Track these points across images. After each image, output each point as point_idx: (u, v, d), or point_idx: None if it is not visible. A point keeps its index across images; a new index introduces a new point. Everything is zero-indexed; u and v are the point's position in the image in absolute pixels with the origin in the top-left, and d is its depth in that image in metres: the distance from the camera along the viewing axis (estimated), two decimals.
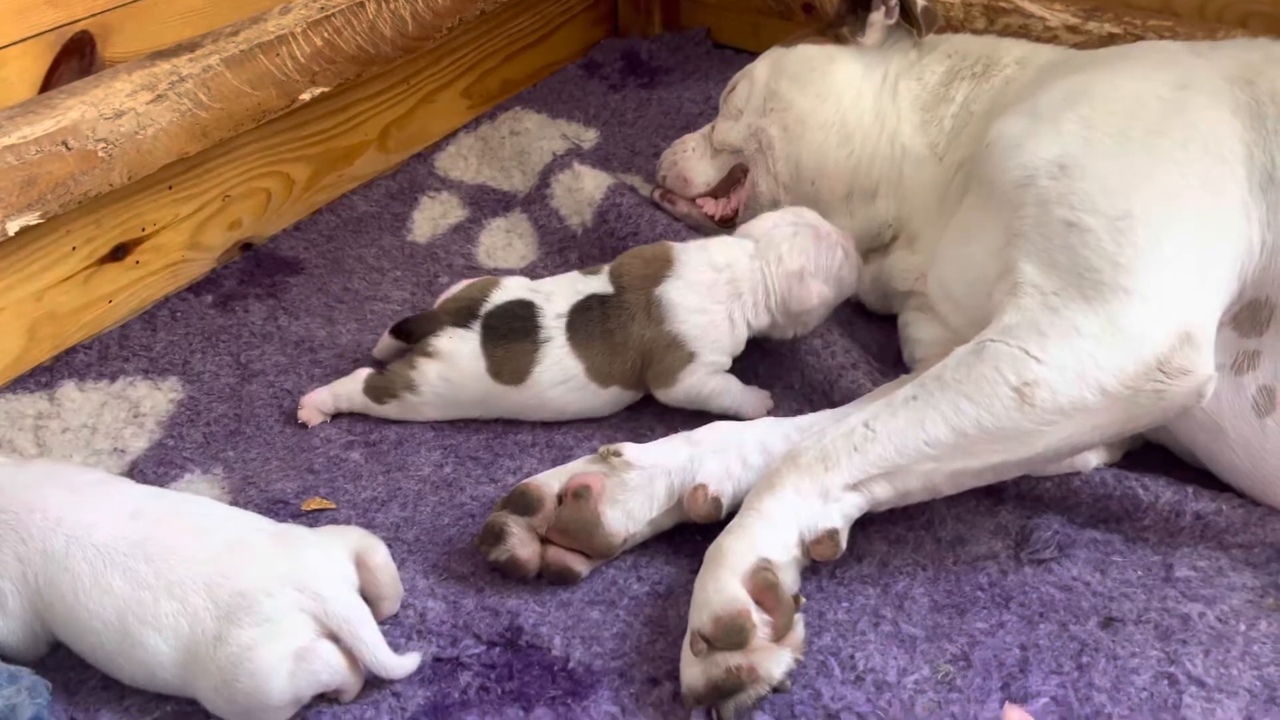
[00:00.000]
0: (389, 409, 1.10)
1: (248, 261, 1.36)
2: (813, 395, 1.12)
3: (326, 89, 1.22)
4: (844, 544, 0.88)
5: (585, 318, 1.08)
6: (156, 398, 1.15)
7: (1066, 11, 1.39)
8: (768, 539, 0.85)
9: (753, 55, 1.77)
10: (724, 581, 0.82)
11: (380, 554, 0.87)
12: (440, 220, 1.45)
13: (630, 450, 0.95)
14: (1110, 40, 1.35)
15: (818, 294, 1.08)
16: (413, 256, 1.38)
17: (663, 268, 1.10)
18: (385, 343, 1.15)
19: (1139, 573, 0.93)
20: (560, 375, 1.07)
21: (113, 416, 1.13)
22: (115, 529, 0.84)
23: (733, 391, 1.09)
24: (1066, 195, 0.92)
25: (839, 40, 1.25)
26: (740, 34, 1.83)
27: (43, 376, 1.17)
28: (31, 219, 0.98)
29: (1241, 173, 0.92)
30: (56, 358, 1.19)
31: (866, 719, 0.81)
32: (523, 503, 0.92)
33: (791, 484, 0.88)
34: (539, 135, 1.56)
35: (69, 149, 0.99)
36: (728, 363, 1.09)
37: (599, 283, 1.11)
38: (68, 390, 1.15)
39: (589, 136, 1.60)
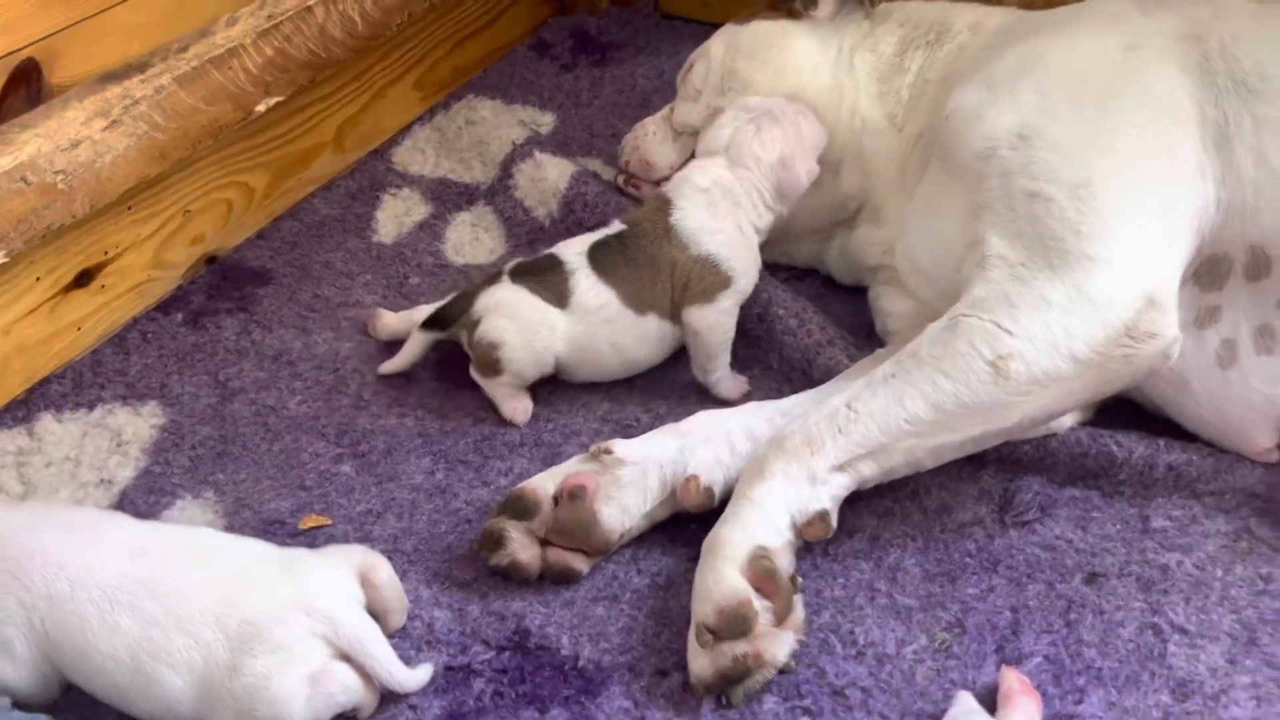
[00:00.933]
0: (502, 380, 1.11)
1: (214, 275, 1.35)
2: (792, 374, 1.14)
3: (281, 98, 1.20)
4: (834, 523, 0.91)
5: (605, 252, 1.12)
6: (138, 424, 1.15)
7: None
8: (761, 526, 0.87)
9: (702, 25, 1.79)
10: (723, 573, 0.84)
11: (384, 570, 0.89)
12: (404, 218, 1.44)
13: (621, 446, 0.97)
14: None
15: (806, 172, 1.13)
16: (380, 258, 1.37)
17: (664, 204, 1.13)
18: (416, 343, 1.15)
19: (1118, 526, 0.96)
20: (596, 299, 1.09)
21: (95, 447, 1.12)
22: (118, 568, 0.84)
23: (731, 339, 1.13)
24: (1028, 165, 0.94)
25: (792, 15, 1.25)
26: (689, 5, 1.82)
27: (18, 411, 1.16)
28: None
29: (1195, 132, 0.95)
30: (30, 390, 1.18)
31: (870, 692, 0.84)
32: (520, 507, 0.94)
33: (780, 469, 0.90)
34: (496, 123, 1.55)
35: (28, 184, 0.98)
36: (750, 289, 1.13)
37: (612, 229, 1.14)
38: (46, 423, 1.14)
39: (546, 120, 1.60)
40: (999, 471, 1.02)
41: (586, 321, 1.09)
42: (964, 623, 0.89)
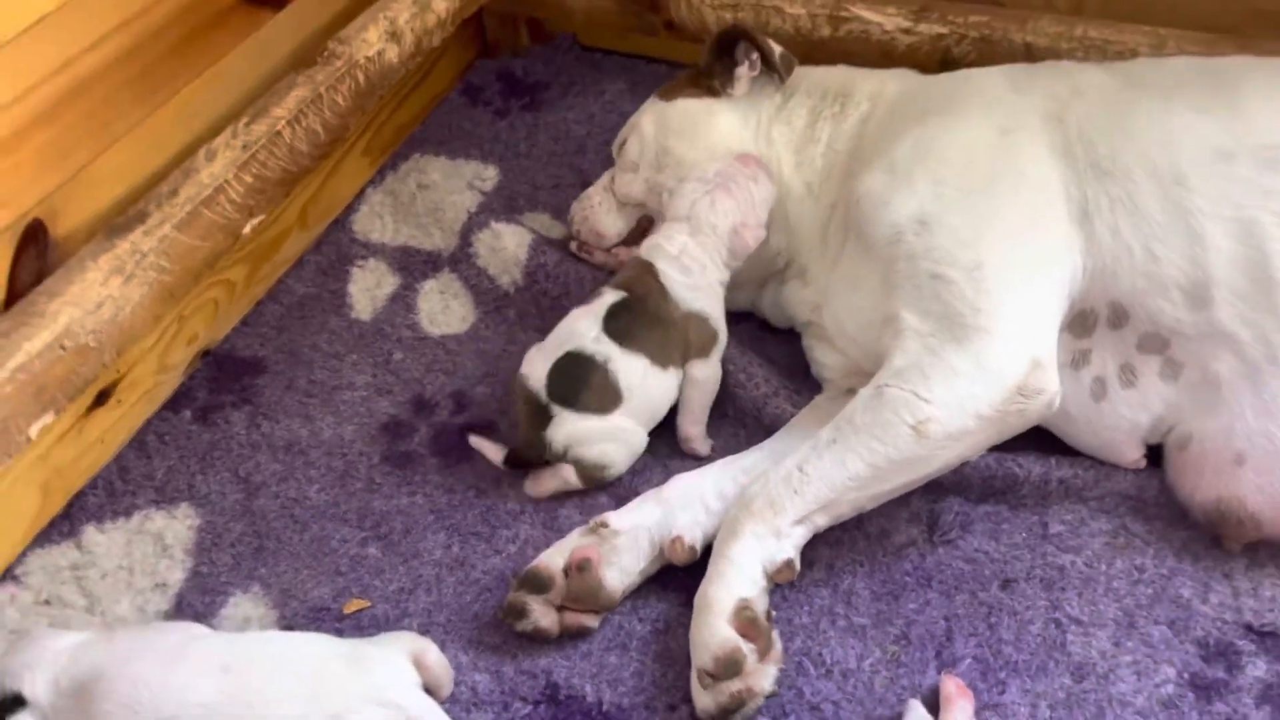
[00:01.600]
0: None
1: (210, 368, 1.47)
2: (745, 420, 1.32)
3: (263, 217, 1.32)
4: (798, 566, 1.11)
5: (621, 321, 1.22)
6: (176, 527, 1.29)
7: (899, 15, 1.56)
8: (741, 582, 1.07)
9: (622, 56, 1.93)
10: (715, 626, 1.04)
11: (433, 652, 1.06)
12: (376, 291, 1.57)
13: (614, 519, 1.15)
14: (940, 40, 1.54)
15: (754, 237, 1.29)
16: (362, 336, 1.51)
17: (647, 267, 1.28)
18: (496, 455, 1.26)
19: (1024, 534, 1.18)
20: (639, 373, 1.21)
21: (142, 553, 1.26)
22: (213, 685, 1.00)
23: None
24: (930, 250, 1.12)
25: (712, 92, 1.41)
26: (608, 37, 1.94)
27: (63, 526, 1.29)
28: (47, 419, 1.09)
29: (1063, 209, 1.14)
30: (69, 505, 1.31)
31: (840, 705, 1.05)
32: (536, 583, 1.11)
33: (750, 530, 1.09)
34: (447, 187, 1.67)
35: (65, 349, 1.10)
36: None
37: (610, 296, 1.26)
38: (90, 535, 1.28)
39: (489, 175, 1.72)
40: (924, 495, 1.22)
41: (639, 396, 1.22)
42: (908, 635, 1.11)
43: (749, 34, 1.37)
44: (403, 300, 1.55)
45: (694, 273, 1.27)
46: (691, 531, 1.14)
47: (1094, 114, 1.16)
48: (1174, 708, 1.03)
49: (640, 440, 1.25)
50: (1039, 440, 1.23)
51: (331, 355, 1.48)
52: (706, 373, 1.27)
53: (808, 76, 1.40)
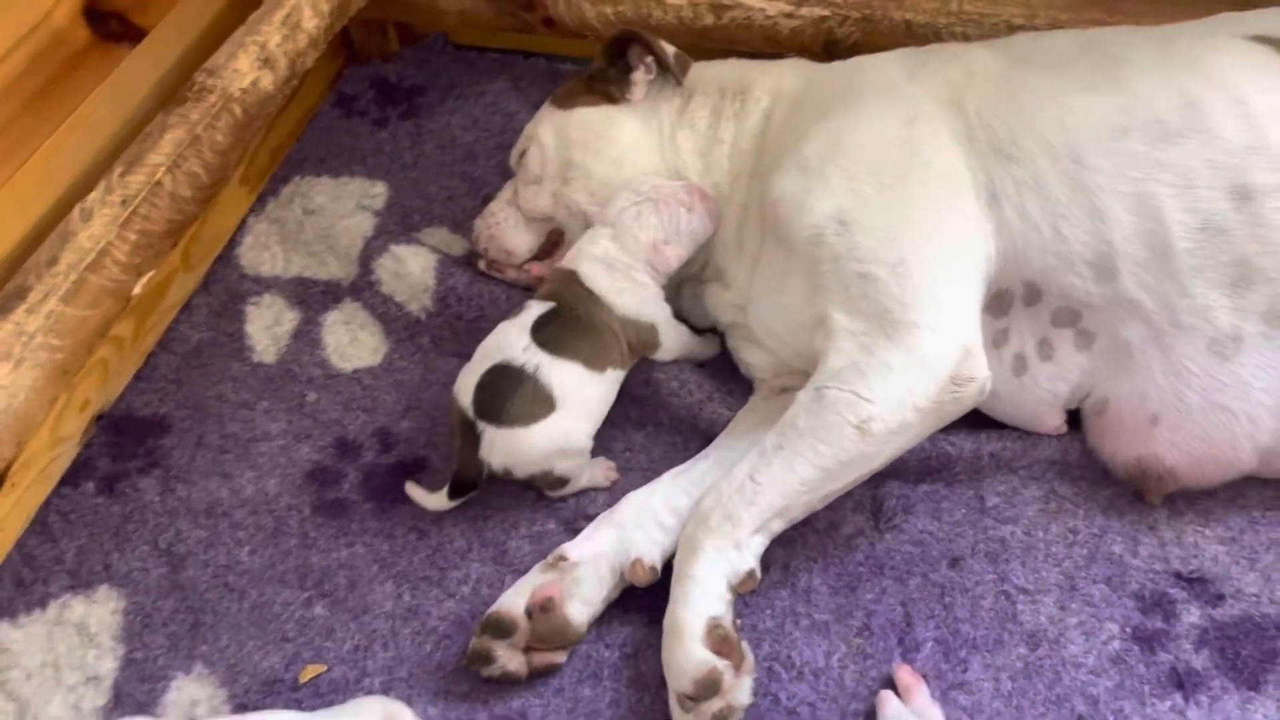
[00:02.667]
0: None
1: (108, 433, 1.38)
2: (682, 427, 1.32)
3: (153, 273, 1.24)
4: (759, 574, 1.12)
5: (550, 330, 1.21)
6: (99, 612, 1.21)
7: (780, 0, 1.56)
8: (707, 599, 1.07)
9: (497, 53, 1.88)
10: (689, 649, 1.04)
11: (406, 714, 1.03)
12: (276, 329, 1.50)
13: (571, 551, 1.14)
14: (822, 23, 1.55)
15: (675, 257, 1.29)
16: (270, 380, 1.44)
17: (570, 275, 1.27)
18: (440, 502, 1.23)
19: (963, 510, 1.22)
20: (573, 380, 1.19)
21: (66, 645, 1.19)
22: None
23: (686, 339, 1.32)
24: (853, 249, 1.14)
25: (609, 99, 1.38)
26: (480, 34, 1.88)
27: None
28: None
29: (971, 194, 1.16)
30: None
31: (816, 705, 1.08)
32: (499, 628, 1.10)
33: (710, 545, 1.09)
34: (335, 210, 1.60)
35: None
36: (668, 308, 1.30)
37: (536, 308, 1.24)
38: (5, 632, 1.19)
39: (378, 192, 1.66)
40: (866, 483, 1.23)
41: (574, 402, 1.20)
42: (870, 626, 1.14)
43: (641, 37, 1.35)
44: (307, 336, 1.49)
45: (618, 272, 1.27)
46: (650, 551, 1.14)
47: (990, 98, 1.19)
48: (1122, 662, 1.09)
49: (583, 439, 1.22)
50: (967, 417, 1.27)
51: (240, 404, 1.41)
52: (669, 348, 1.29)
53: (704, 75, 1.39)
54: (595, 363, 1.22)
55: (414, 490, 1.25)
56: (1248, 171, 1.10)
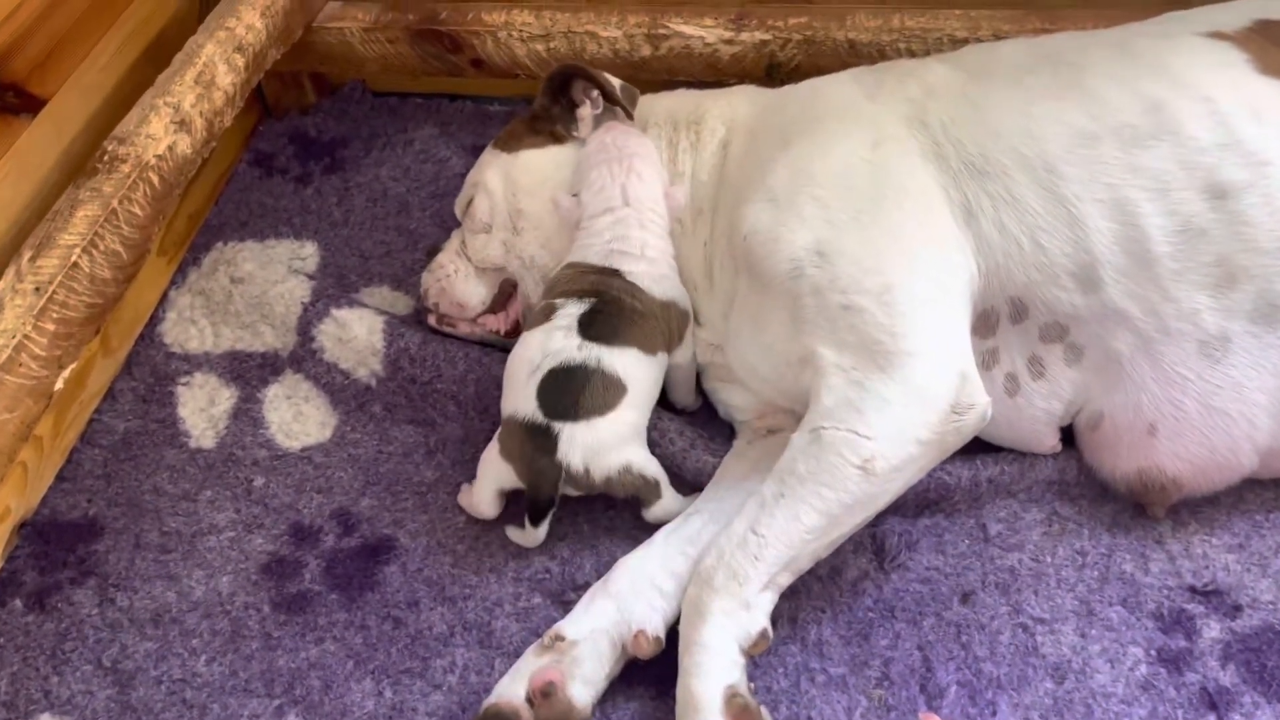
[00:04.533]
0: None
1: (32, 543, 1.25)
2: (668, 475, 1.24)
3: (74, 365, 1.13)
4: (771, 633, 1.05)
5: (601, 323, 1.16)
6: None
7: (719, 26, 1.52)
8: (721, 668, 1.00)
9: (420, 98, 1.79)
10: None
11: None
12: (212, 410, 1.38)
13: (568, 629, 1.05)
14: (763, 47, 1.51)
15: (682, 193, 1.26)
16: (211, 467, 1.32)
17: (609, 273, 1.20)
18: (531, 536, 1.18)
19: (967, 541, 1.18)
20: (634, 365, 1.15)
21: None
22: None
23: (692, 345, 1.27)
24: (835, 281, 1.08)
25: (556, 139, 1.31)
26: (399, 80, 1.80)
27: None
28: None
29: (947, 212, 1.13)
30: None
31: None
32: None
33: (718, 608, 1.02)
34: (265, 277, 1.49)
35: None
36: None
37: (573, 307, 1.17)
38: None
39: (308, 253, 1.56)
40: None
41: (638, 384, 1.16)
42: (888, 674, 1.08)
43: (584, 71, 1.29)
44: (247, 415, 1.38)
45: (658, 260, 1.22)
46: (651, 621, 1.07)
47: (954, 113, 1.16)
48: (1152, 688, 1.05)
49: (644, 423, 1.19)
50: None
51: (179, 496, 1.29)
52: (686, 355, 1.25)
53: (654, 107, 1.33)
54: (649, 346, 1.18)
55: (513, 532, 1.20)
56: (1221, 169, 1.08)
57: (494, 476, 1.17)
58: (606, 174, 1.23)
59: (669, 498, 1.17)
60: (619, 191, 1.22)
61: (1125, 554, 1.15)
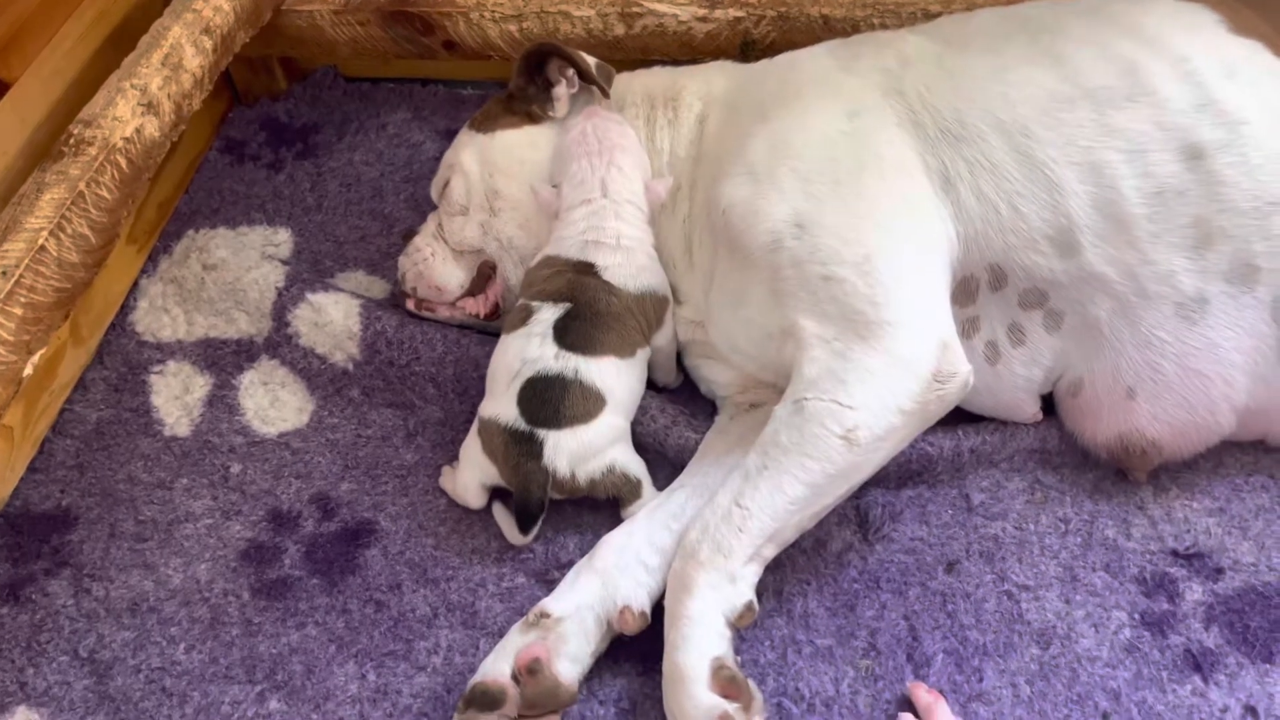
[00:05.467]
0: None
1: (4, 534, 1.23)
2: (648, 455, 1.22)
3: (44, 350, 1.10)
4: (757, 606, 1.04)
5: (574, 331, 1.15)
6: None
7: (693, 4, 1.51)
8: (708, 640, 0.99)
9: (392, 83, 1.77)
10: (696, 696, 0.96)
11: None
12: (186, 398, 1.36)
13: (553, 605, 1.04)
14: (738, 24, 1.50)
15: (663, 187, 1.24)
16: (186, 455, 1.30)
17: (584, 268, 1.19)
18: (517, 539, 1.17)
19: (950, 511, 1.18)
20: (612, 374, 1.15)
21: None
22: None
23: (673, 327, 1.26)
24: (814, 252, 1.08)
25: (532, 119, 1.30)
26: (371, 65, 1.78)
27: None
28: None
29: (925, 180, 1.12)
30: None
31: None
32: (486, 699, 0.99)
33: (704, 581, 1.02)
34: (238, 263, 1.47)
35: None
36: None
37: (548, 312, 1.16)
38: None
39: (282, 239, 1.54)
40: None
41: (620, 392, 1.15)
42: (875, 644, 1.07)
43: (559, 50, 1.27)
44: (222, 402, 1.36)
45: (634, 250, 1.20)
46: (637, 596, 1.06)
47: (930, 81, 1.16)
48: (1137, 650, 1.05)
49: (627, 423, 1.19)
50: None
51: (155, 485, 1.27)
52: (666, 337, 1.24)
53: (630, 85, 1.32)
54: (625, 350, 1.17)
55: (502, 520, 1.18)
56: (1197, 130, 1.08)
57: (477, 472, 1.16)
58: (587, 166, 1.22)
59: (649, 497, 1.16)
60: (598, 184, 1.21)
61: (1107, 520, 1.15)
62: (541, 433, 1.12)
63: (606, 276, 1.18)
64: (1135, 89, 1.10)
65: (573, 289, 1.17)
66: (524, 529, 1.14)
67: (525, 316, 1.17)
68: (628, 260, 1.20)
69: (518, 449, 1.12)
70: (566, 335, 1.15)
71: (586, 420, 1.13)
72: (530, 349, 1.15)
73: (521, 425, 1.12)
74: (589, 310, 1.16)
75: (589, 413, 1.13)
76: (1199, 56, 1.10)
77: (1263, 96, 1.09)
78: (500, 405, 1.14)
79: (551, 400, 1.12)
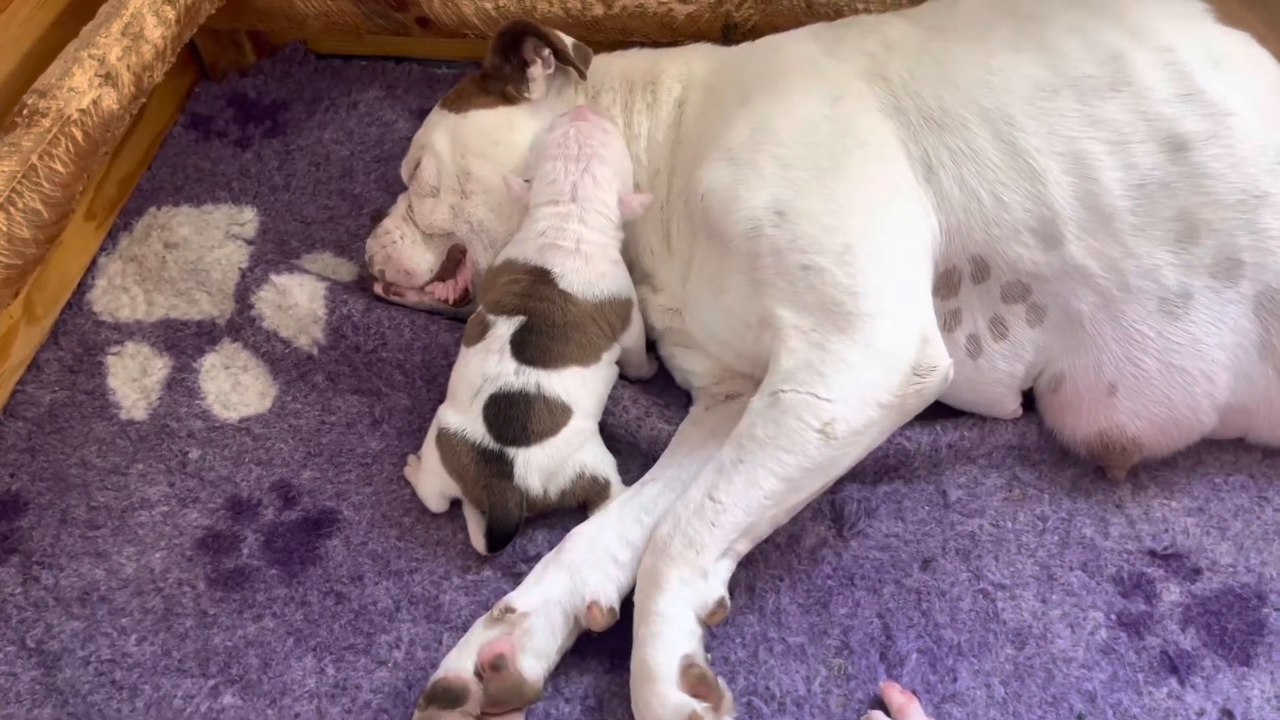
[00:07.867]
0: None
1: None
2: (620, 447, 1.20)
3: None
4: (729, 602, 1.02)
5: (533, 346, 1.11)
6: None
7: None
8: (678, 637, 0.97)
9: (364, 60, 1.73)
10: (664, 695, 0.93)
11: None
12: (144, 380, 1.32)
13: (518, 600, 1.01)
14: (719, 6, 1.46)
15: (640, 203, 1.20)
16: (143, 439, 1.26)
17: (539, 274, 1.15)
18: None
19: (927, 508, 1.15)
20: (574, 383, 1.12)
21: None
22: None
23: (641, 325, 1.23)
24: (794, 241, 1.05)
25: (507, 99, 1.26)
26: (342, 41, 1.73)
27: None
28: None
29: (907, 168, 1.10)
30: None
31: None
32: (448, 696, 0.96)
33: (674, 576, 0.99)
34: (201, 242, 1.42)
35: None
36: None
37: (504, 326, 1.13)
38: None
39: (248, 219, 1.49)
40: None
41: (585, 399, 1.13)
42: (848, 643, 1.05)
43: (535, 28, 1.24)
44: (182, 385, 1.31)
45: (594, 257, 1.16)
46: (606, 591, 1.03)
47: (914, 67, 1.13)
48: (1112, 651, 1.03)
49: (595, 425, 1.16)
50: None
51: (109, 470, 1.23)
52: (634, 335, 1.21)
53: (608, 67, 1.29)
54: (588, 358, 1.14)
55: (472, 524, 1.14)
56: (1181, 120, 1.06)
57: (438, 482, 1.13)
58: (561, 168, 1.18)
59: (617, 495, 1.13)
60: (569, 188, 1.17)
61: (1085, 519, 1.13)
62: (511, 451, 1.08)
63: (563, 285, 1.14)
64: (1119, 78, 1.07)
65: (526, 302, 1.13)
66: (494, 548, 1.11)
67: (483, 330, 1.13)
68: (586, 266, 1.15)
69: (488, 468, 1.08)
70: (525, 350, 1.11)
71: (555, 433, 1.10)
72: (489, 365, 1.11)
73: (490, 444, 1.08)
74: (544, 323, 1.12)
75: (556, 425, 1.10)
76: (1185, 46, 1.08)
77: (1249, 88, 1.07)
78: (464, 420, 1.11)
79: (517, 418, 1.09)
